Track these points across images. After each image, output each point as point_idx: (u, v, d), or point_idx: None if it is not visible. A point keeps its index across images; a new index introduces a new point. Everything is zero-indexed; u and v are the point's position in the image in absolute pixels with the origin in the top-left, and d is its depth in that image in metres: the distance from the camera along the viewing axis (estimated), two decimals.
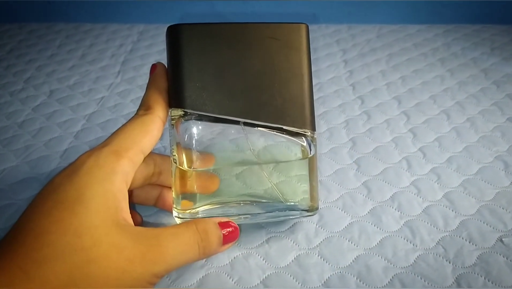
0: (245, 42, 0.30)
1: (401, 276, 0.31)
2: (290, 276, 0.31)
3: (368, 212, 0.37)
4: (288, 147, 0.32)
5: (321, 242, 0.34)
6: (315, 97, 0.32)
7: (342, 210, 0.37)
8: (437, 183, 0.40)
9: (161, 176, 0.34)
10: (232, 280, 0.31)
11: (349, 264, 0.32)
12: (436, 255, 0.32)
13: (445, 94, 0.54)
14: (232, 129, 0.31)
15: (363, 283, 0.31)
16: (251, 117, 0.30)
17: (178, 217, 0.32)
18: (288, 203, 0.33)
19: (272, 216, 0.33)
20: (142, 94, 0.31)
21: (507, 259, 0.32)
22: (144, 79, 0.60)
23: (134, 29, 0.77)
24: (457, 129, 0.47)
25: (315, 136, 0.32)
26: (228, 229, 0.29)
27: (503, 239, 0.33)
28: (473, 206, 0.37)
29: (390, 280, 0.31)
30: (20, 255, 0.22)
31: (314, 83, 0.32)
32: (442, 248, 0.33)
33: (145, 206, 0.36)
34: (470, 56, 0.64)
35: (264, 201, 0.33)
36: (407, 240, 0.34)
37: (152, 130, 0.29)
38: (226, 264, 0.32)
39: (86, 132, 0.49)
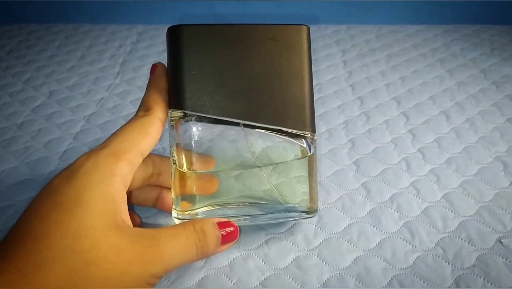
0: (246, 43, 0.30)
1: (400, 277, 0.31)
2: (289, 277, 0.31)
3: (367, 213, 0.37)
4: (287, 148, 0.32)
5: (320, 243, 0.34)
6: (314, 98, 0.32)
7: (341, 211, 0.37)
8: (436, 184, 0.40)
9: (160, 177, 0.34)
10: (231, 282, 0.31)
11: (348, 265, 0.32)
12: (435, 256, 0.32)
13: (445, 95, 0.54)
14: (232, 130, 0.31)
15: (362, 284, 0.31)
16: (251, 119, 0.30)
17: (178, 218, 0.32)
18: (287, 205, 0.33)
19: (271, 218, 0.33)
20: (141, 95, 0.31)
21: (506, 260, 0.32)
22: (143, 80, 0.60)
23: (133, 30, 0.77)
24: (457, 129, 0.47)
25: (315, 138, 0.32)
26: (227, 229, 0.29)
27: (502, 240, 0.33)
28: (472, 207, 0.37)
29: (389, 281, 0.31)
30: (19, 258, 0.22)
31: (313, 83, 0.32)
32: (441, 249, 0.33)
33: (144, 207, 0.36)
34: (469, 56, 0.64)
35: (263, 202, 0.33)
36: (406, 241, 0.34)
37: (151, 132, 0.29)
38: (225, 265, 0.32)
39: (85, 133, 0.49)
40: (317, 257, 0.33)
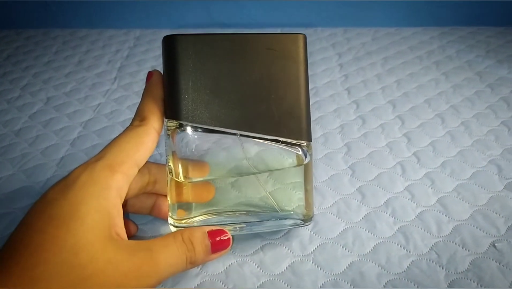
0: (242, 53, 0.30)
1: (394, 282, 0.31)
2: (285, 283, 0.32)
3: (362, 218, 0.37)
4: (283, 155, 0.33)
5: (315, 249, 0.34)
6: (310, 102, 0.32)
7: (336, 216, 0.37)
8: (431, 188, 0.40)
9: (156, 185, 0.34)
10: (227, 288, 0.31)
11: (343, 271, 0.32)
12: (429, 261, 0.33)
13: (440, 98, 0.55)
14: (228, 139, 0.31)
15: None
16: (247, 129, 0.30)
17: (174, 226, 0.32)
18: (283, 212, 0.33)
19: (267, 226, 0.33)
20: (138, 100, 0.31)
21: (499, 264, 0.32)
22: (140, 86, 0.60)
23: (130, 35, 0.77)
24: (452, 133, 0.48)
25: (311, 145, 0.32)
26: (218, 238, 0.29)
27: (495, 244, 0.34)
28: (467, 211, 0.37)
29: (384, 286, 0.31)
30: (15, 273, 0.22)
31: (309, 87, 0.32)
32: (435, 253, 0.33)
33: (140, 214, 0.37)
34: (465, 58, 0.65)
35: (259, 211, 0.33)
36: (400, 246, 0.34)
37: (147, 142, 0.29)
38: (221, 272, 0.33)
39: (82, 139, 0.50)
40: (312, 262, 0.33)
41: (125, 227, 0.27)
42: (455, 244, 0.34)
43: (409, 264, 0.33)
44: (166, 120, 0.31)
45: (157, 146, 0.31)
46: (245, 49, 0.30)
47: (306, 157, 0.32)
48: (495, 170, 0.42)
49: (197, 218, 0.32)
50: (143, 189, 0.33)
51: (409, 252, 0.34)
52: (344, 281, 0.32)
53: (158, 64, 0.66)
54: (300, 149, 0.32)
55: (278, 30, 0.77)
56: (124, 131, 0.29)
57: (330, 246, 0.34)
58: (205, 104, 0.30)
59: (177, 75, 0.30)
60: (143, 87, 0.31)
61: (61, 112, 0.55)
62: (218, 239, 0.29)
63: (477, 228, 0.35)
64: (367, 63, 0.65)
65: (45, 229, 0.23)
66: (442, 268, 0.32)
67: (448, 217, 0.37)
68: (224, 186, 0.33)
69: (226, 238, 0.30)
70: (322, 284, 0.31)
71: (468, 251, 0.33)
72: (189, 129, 0.30)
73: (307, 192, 0.33)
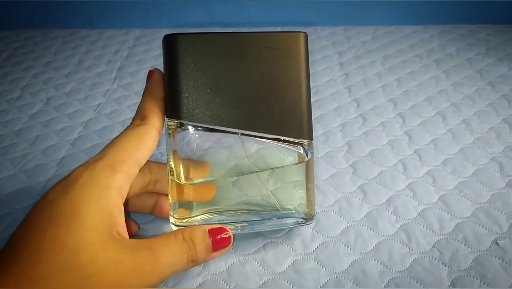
0: (243, 51, 0.30)
1: (397, 280, 0.31)
2: (287, 281, 0.32)
3: (364, 216, 0.37)
4: (284, 154, 0.33)
5: (317, 247, 0.34)
6: (311, 101, 0.32)
7: (338, 215, 0.37)
8: (433, 186, 0.40)
9: (158, 184, 0.34)
10: (229, 287, 0.31)
11: (345, 269, 0.32)
12: (432, 258, 0.33)
13: (441, 96, 0.55)
14: (229, 138, 0.31)
15: (359, 287, 0.31)
16: (248, 128, 0.30)
17: (175, 225, 0.32)
18: (285, 211, 0.33)
19: (268, 225, 0.33)
20: (138, 100, 0.31)
21: (502, 261, 0.32)
22: (140, 85, 0.60)
23: (130, 34, 0.77)
24: (453, 130, 0.48)
25: (312, 144, 0.32)
26: (218, 236, 0.29)
27: (498, 241, 0.34)
28: (469, 209, 0.37)
29: (386, 284, 0.31)
30: (15, 273, 0.22)
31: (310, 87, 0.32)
32: (438, 251, 0.33)
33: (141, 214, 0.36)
34: (465, 56, 0.65)
35: (260, 210, 0.33)
36: (403, 244, 0.34)
37: (148, 141, 0.28)
38: (223, 270, 0.33)
39: (83, 139, 0.49)
40: (314, 261, 0.33)
41: (126, 227, 0.27)
42: (458, 241, 0.34)
43: (412, 262, 0.32)
44: (167, 119, 0.30)
45: (158, 145, 0.31)
46: (246, 48, 0.30)
47: (307, 156, 0.32)
48: (496, 167, 0.42)
49: (199, 217, 0.32)
50: (144, 188, 0.33)
51: (412, 250, 0.33)
52: (347, 279, 0.31)
53: (157, 64, 0.66)
54: (301, 148, 0.32)
55: (278, 29, 0.77)
56: (124, 130, 0.29)
57: (332, 244, 0.34)
58: (206, 103, 0.30)
59: (178, 74, 0.30)
60: (143, 87, 0.31)
61: (61, 112, 0.55)
62: (219, 237, 0.29)
63: (479, 225, 0.35)
64: (367, 61, 0.65)
65: (46, 229, 0.23)
66: (445, 266, 0.32)
67: (450, 215, 0.36)
68: (225, 185, 0.33)
69: (227, 236, 0.29)
70: (325, 282, 0.31)
71: (471, 248, 0.33)
72: (190, 128, 0.30)
73: (309, 190, 0.33)
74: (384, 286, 0.31)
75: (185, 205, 0.32)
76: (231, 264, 0.33)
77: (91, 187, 0.25)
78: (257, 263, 0.33)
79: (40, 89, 0.61)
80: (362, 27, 0.76)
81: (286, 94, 0.31)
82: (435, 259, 0.33)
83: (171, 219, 0.32)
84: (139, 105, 0.31)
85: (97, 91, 0.60)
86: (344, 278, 0.32)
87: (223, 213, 0.33)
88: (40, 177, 0.43)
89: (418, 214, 0.37)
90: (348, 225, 0.36)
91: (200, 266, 0.33)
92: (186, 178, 0.31)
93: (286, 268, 0.33)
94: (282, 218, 0.33)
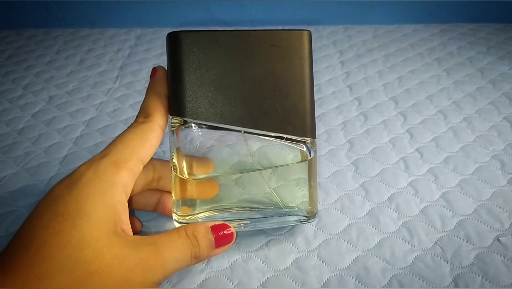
0: (246, 49, 0.30)
1: (399, 277, 0.31)
2: (290, 278, 0.32)
3: (366, 214, 0.37)
4: (287, 152, 0.33)
5: (320, 244, 0.34)
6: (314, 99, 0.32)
7: (340, 212, 0.37)
8: (434, 183, 0.40)
9: (161, 181, 0.34)
10: (232, 284, 0.32)
11: (347, 266, 0.32)
12: (434, 255, 0.33)
13: (442, 94, 0.55)
14: (232, 136, 0.31)
15: (362, 284, 0.31)
16: (251, 126, 0.30)
17: (178, 222, 0.32)
18: (287, 208, 0.33)
19: (271, 223, 0.33)
20: (140, 99, 0.31)
21: (504, 258, 0.32)
22: (142, 84, 0.60)
23: (131, 34, 0.77)
24: (454, 129, 0.48)
25: (315, 142, 0.32)
26: (221, 232, 0.29)
27: (500, 238, 0.34)
28: (470, 206, 0.37)
29: (389, 281, 0.31)
30: (21, 270, 0.22)
31: None
32: (440, 248, 0.33)
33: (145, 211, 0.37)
34: (466, 55, 0.65)
35: (263, 207, 0.33)
36: (405, 241, 0.34)
37: (151, 139, 0.29)
38: (226, 267, 0.33)
39: (85, 138, 0.50)
40: (317, 258, 0.33)
41: (130, 224, 0.27)
42: (460, 238, 0.34)
43: (414, 259, 0.33)
44: (170, 116, 0.31)
45: (161, 143, 0.31)
46: (250, 46, 0.30)
47: (310, 154, 0.32)
48: (498, 165, 0.42)
49: (201, 215, 0.32)
50: (147, 185, 0.33)
51: (414, 246, 0.34)
52: (349, 276, 0.32)
53: (159, 62, 0.66)
54: (304, 146, 0.32)
55: (279, 28, 0.77)
56: (128, 127, 0.29)
57: (335, 241, 0.35)
58: (209, 101, 0.30)
59: (181, 72, 0.30)
60: (145, 86, 0.31)
61: (63, 111, 0.55)
62: (221, 233, 0.29)
63: (481, 222, 0.35)
64: (368, 60, 0.65)
65: (51, 225, 0.24)
66: (447, 263, 0.32)
67: (452, 212, 0.37)
68: (228, 183, 0.33)
69: (229, 232, 0.30)
70: (327, 279, 0.31)
71: (473, 245, 0.33)
72: (193, 126, 0.30)
73: (311, 188, 0.33)
74: (387, 283, 0.31)
75: (188, 203, 0.32)
76: (234, 261, 0.33)
77: (96, 184, 0.25)
78: (260, 260, 0.33)
79: (42, 88, 0.61)
80: (363, 26, 0.76)
81: (290, 92, 0.31)
82: (437, 256, 0.33)
83: (174, 216, 0.32)
84: (142, 103, 0.31)
85: (99, 90, 0.60)
86: (347, 275, 0.32)
87: (225, 210, 0.33)
88: (43, 175, 0.44)
89: (420, 212, 0.37)
90: (350, 222, 0.36)
91: (203, 263, 0.33)
92: (190, 174, 0.31)
93: (289, 265, 0.33)
94: (285, 215, 0.33)
